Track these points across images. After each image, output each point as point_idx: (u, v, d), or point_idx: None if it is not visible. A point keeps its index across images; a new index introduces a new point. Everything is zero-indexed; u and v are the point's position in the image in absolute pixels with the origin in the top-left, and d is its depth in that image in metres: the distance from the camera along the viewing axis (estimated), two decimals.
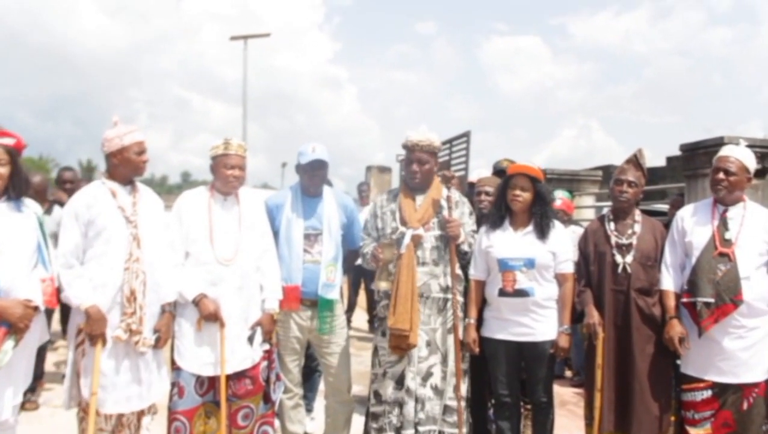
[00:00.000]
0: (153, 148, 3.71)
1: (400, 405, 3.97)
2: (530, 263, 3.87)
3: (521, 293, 3.88)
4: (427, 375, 3.99)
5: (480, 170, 5.56)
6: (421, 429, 3.95)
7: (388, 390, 4.00)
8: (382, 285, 4.02)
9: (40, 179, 5.63)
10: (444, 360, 4.02)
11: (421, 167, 4.06)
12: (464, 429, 4.00)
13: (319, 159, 4.14)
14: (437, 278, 4.02)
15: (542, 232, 3.93)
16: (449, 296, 4.05)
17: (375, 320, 4.28)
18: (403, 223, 4.03)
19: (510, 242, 3.96)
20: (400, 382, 3.99)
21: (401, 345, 3.90)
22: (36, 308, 3.24)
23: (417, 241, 3.98)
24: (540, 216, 3.95)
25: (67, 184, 6.12)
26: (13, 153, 3.30)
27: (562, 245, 3.97)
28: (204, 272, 3.81)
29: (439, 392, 3.99)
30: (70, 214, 3.54)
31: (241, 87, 26.61)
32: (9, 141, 3.28)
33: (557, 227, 4.01)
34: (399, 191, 4.21)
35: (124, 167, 3.62)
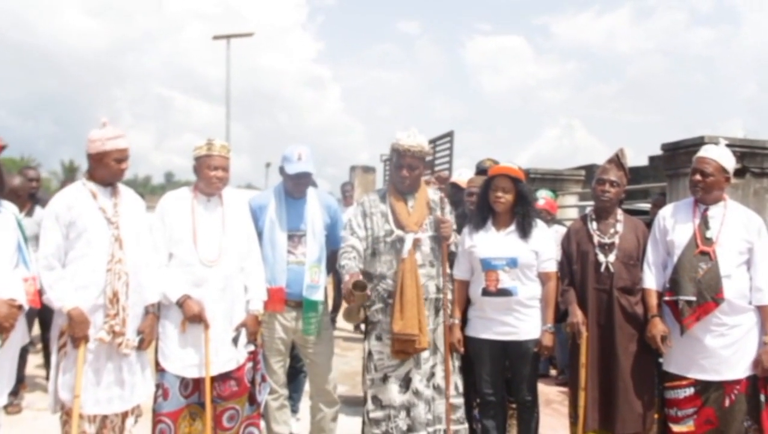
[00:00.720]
0: (136, 148, 3.69)
1: (407, 408, 3.96)
2: (513, 263, 3.90)
3: (504, 293, 3.91)
4: (430, 376, 4.01)
5: (462, 170, 5.58)
6: (429, 429, 3.98)
7: (392, 394, 3.96)
8: (353, 322, 4.05)
9: (20, 180, 5.58)
10: (443, 360, 4.05)
11: (411, 172, 4.04)
12: (462, 425, 4.05)
13: (304, 171, 4.15)
14: (434, 280, 4.05)
15: (524, 232, 3.97)
16: (441, 296, 4.08)
17: (368, 324, 4.15)
18: (400, 227, 4.00)
19: (492, 241, 3.99)
20: (404, 385, 3.97)
21: (407, 350, 3.89)
22: (20, 307, 3.23)
23: (416, 244, 3.98)
24: (522, 216, 3.99)
25: (34, 183, 6.04)
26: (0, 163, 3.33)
27: (545, 245, 4.00)
28: (188, 273, 3.80)
29: (440, 391, 4.02)
30: (50, 215, 3.52)
31: (224, 86, 26.54)
32: None
33: (540, 227, 4.04)
34: (387, 191, 4.18)
35: (103, 170, 3.61)
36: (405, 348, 3.89)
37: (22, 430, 4.86)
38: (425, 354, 3.98)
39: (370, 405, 4.03)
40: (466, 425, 4.10)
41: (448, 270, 4.10)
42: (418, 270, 3.95)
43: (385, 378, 4.00)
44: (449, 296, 4.09)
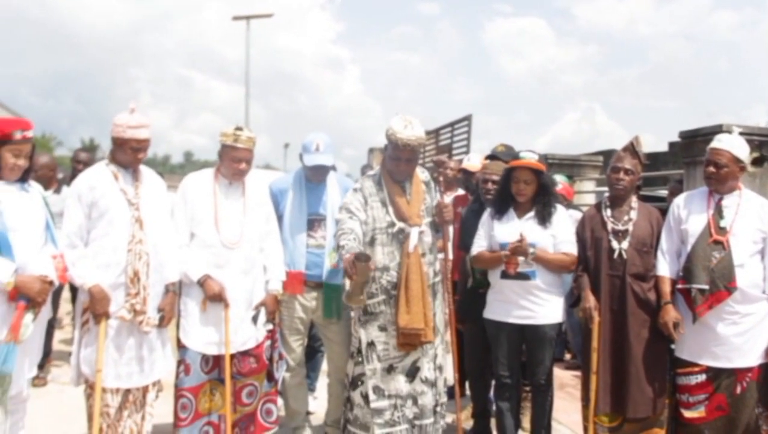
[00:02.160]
0: (155, 127, 3.75)
1: (414, 397, 3.97)
2: (531, 248, 3.94)
3: (523, 276, 3.97)
4: (434, 357, 4.07)
5: (472, 155, 5.61)
6: (438, 409, 4.06)
7: (399, 384, 3.95)
8: (354, 303, 3.80)
9: (48, 159, 5.70)
10: (442, 339, 4.12)
11: (409, 164, 3.97)
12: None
13: (322, 165, 4.20)
14: (432, 265, 4.07)
15: (543, 219, 4.03)
16: (439, 278, 4.12)
17: (363, 315, 4.01)
18: (401, 219, 3.93)
19: (513, 227, 4.04)
20: (411, 375, 3.98)
21: (413, 343, 3.90)
22: (51, 283, 3.34)
23: (420, 236, 3.95)
24: (543, 205, 4.05)
25: (81, 165, 6.17)
26: (35, 145, 3.44)
27: (563, 228, 4.05)
28: (209, 255, 3.89)
29: (442, 370, 4.10)
30: (73, 195, 3.63)
31: (243, 67, 26.59)
32: (32, 133, 3.39)
33: (558, 211, 4.10)
34: (381, 177, 4.04)
35: (120, 155, 3.69)
36: (410, 341, 3.89)
37: (48, 403, 4.99)
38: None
39: (371, 395, 3.95)
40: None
41: (450, 256, 4.14)
42: (423, 264, 3.93)
43: (390, 369, 3.97)
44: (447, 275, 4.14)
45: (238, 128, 3.94)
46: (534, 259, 3.93)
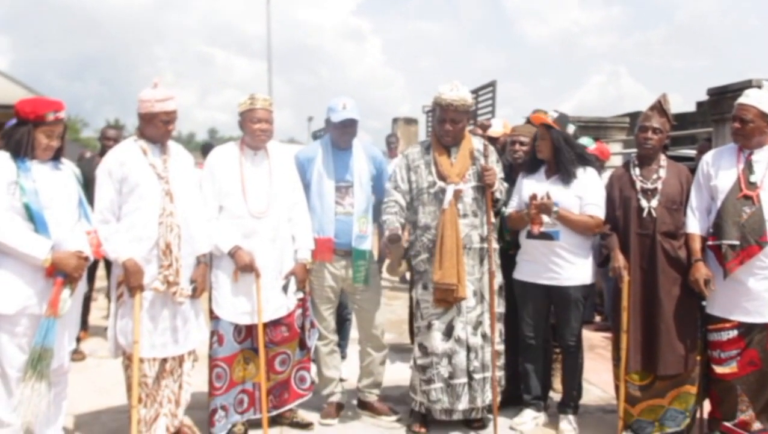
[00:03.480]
0: (179, 106, 3.78)
1: (449, 355, 4.07)
2: (555, 207, 3.94)
3: (546, 236, 4.00)
4: (477, 324, 4.09)
5: (495, 121, 5.59)
6: (476, 376, 4.08)
7: (435, 342, 4.06)
8: (394, 275, 4.23)
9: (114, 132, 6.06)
10: (490, 308, 4.13)
11: (455, 126, 4.06)
12: (498, 372, 4.13)
13: (350, 118, 4.21)
14: (477, 229, 4.10)
15: (564, 178, 4.04)
16: (486, 245, 4.14)
17: (413, 274, 4.28)
18: (441, 178, 4.06)
19: (539, 186, 4.06)
20: (447, 333, 4.07)
21: (448, 298, 3.98)
22: (86, 259, 3.41)
23: (458, 195, 4.03)
24: (562, 163, 4.05)
25: (111, 142, 6.25)
26: (65, 126, 3.50)
27: (590, 189, 4.04)
28: (238, 225, 3.93)
29: (487, 339, 4.11)
30: (103, 171, 3.67)
31: (264, 42, 26.51)
32: (63, 114, 3.45)
33: (587, 172, 4.08)
34: (430, 143, 4.22)
35: (151, 130, 3.72)
36: (445, 297, 3.98)
37: (87, 376, 5.11)
38: (470, 303, 4.05)
39: (417, 352, 4.15)
40: (502, 373, 4.21)
41: (492, 219, 4.15)
42: (458, 221, 4.01)
43: (429, 326, 4.09)
44: (494, 244, 4.15)
45: (253, 94, 4.00)
46: (557, 218, 3.94)
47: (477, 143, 4.24)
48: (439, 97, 4.02)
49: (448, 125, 4.06)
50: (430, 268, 4.05)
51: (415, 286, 4.22)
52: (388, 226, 4.02)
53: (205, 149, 8.60)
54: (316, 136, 5.79)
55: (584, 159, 4.16)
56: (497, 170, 4.18)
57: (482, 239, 4.12)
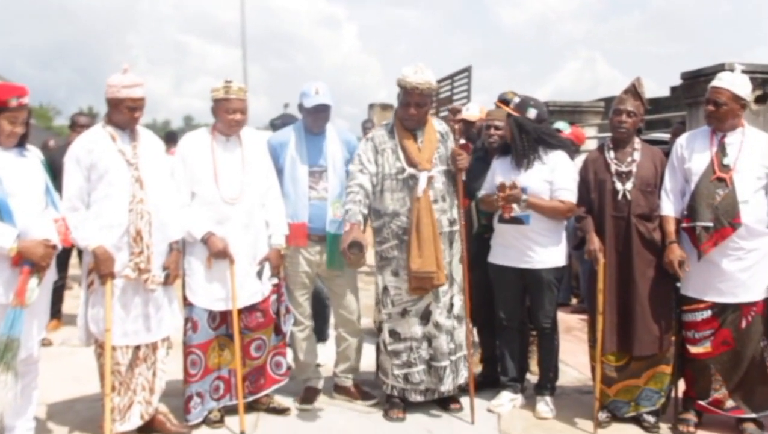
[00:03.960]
0: (153, 93, 3.74)
1: (428, 339, 4.08)
2: (523, 192, 3.95)
3: (516, 221, 4.03)
4: (450, 307, 4.12)
5: (471, 105, 5.59)
6: (453, 358, 4.13)
7: (413, 328, 4.07)
8: (355, 267, 4.12)
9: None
10: (461, 290, 4.15)
11: (419, 110, 4.01)
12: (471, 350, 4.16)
13: (322, 104, 4.16)
14: (446, 213, 4.10)
15: (518, 162, 4.08)
16: (456, 228, 4.14)
17: (378, 260, 4.21)
18: (411, 164, 4.01)
19: (508, 171, 4.08)
20: (425, 318, 4.07)
21: (425, 286, 3.97)
22: (54, 247, 3.35)
23: (429, 181, 4.00)
24: (516, 149, 4.08)
25: (81, 129, 6.14)
26: (30, 111, 3.43)
27: (561, 174, 4.04)
28: (211, 211, 3.89)
29: (461, 320, 4.15)
30: (71, 158, 3.61)
31: (238, 29, 26.28)
32: (27, 100, 3.37)
33: (555, 156, 4.08)
34: (393, 126, 4.15)
35: (117, 116, 3.66)
36: (423, 285, 3.96)
37: (60, 365, 5.04)
38: (443, 287, 4.06)
39: (387, 338, 4.13)
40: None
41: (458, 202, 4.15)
42: (433, 209, 3.99)
43: (404, 313, 4.08)
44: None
45: (228, 81, 3.93)
46: (526, 206, 3.96)
47: (438, 125, 4.21)
48: (403, 80, 3.94)
49: (413, 109, 4.00)
50: (401, 255, 4.03)
51: (382, 272, 4.16)
52: (350, 218, 3.89)
53: (168, 137, 8.52)
54: (273, 124, 5.75)
55: (549, 143, 4.13)
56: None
57: (450, 223, 4.12)
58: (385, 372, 4.18)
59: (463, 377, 4.18)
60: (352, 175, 4.07)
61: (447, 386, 4.13)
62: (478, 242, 4.40)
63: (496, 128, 4.45)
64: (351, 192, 3.99)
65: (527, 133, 4.05)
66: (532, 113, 4.07)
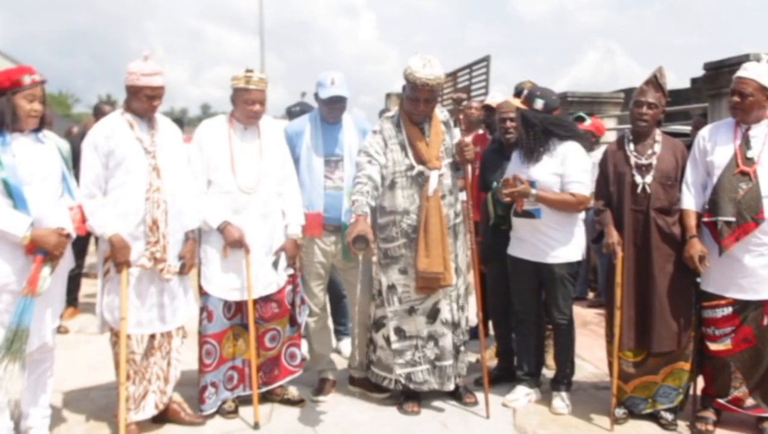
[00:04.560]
0: (171, 81, 3.71)
1: (435, 338, 4.04)
2: (533, 185, 3.92)
3: (528, 214, 4.00)
4: (457, 298, 4.10)
5: (496, 93, 5.52)
6: (461, 348, 4.12)
7: (419, 326, 4.03)
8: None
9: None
10: (465, 279, 4.14)
11: (427, 105, 3.92)
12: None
13: (337, 95, 4.13)
14: (453, 207, 4.06)
15: (526, 155, 4.02)
16: (460, 219, 4.12)
17: (382, 257, 4.10)
18: (420, 162, 3.93)
19: (519, 164, 4.06)
20: (432, 316, 4.03)
21: (432, 286, 3.93)
22: (68, 236, 3.35)
23: (439, 179, 3.93)
24: (522, 143, 4.04)
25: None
26: (44, 90, 3.41)
27: (572, 167, 3.96)
28: (227, 200, 3.88)
29: (464, 309, 4.15)
30: (89, 145, 3.59)
31: (256, 17, 26.26)
32: (39, 77, 3.36)
33: (567, 150, 4.00)
34: (399, 118, 4.03)
35: (136, 104, 3.65)
36: (430, 285, 3.92)
37: (76, 353, 5.08)
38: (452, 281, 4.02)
39: (392, 336, 4.06)
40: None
41: (462, 196, 4.14)
42: (443, 208, 3.93)
43: (411, 311, 4.03)
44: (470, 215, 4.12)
45: (249, 70, 3.89)
46: (536, 201, 3.92)
47: (440, 114, 4.12)
48: (411, 75, 3.79)
49: (422, 105, 3.89)
50: (410, 253, 3.96)
51: (386, 269, 4.05)
52: (357, 210, 3.64)
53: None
54: (290, 112, 5.72)
55: (558, 134, 4.03)
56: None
57: (456, 215, 4.09)
58: (387, 368, 4.12)
59: (465, 363, 4.18)
60: (361, 166, 3.90)
61: (452, 385, 4.10)
62: (494, 235, 4.35)
63: (511, 119, 4.38)
64: (359, 183, 3.80)
65: (533, 125, 3.99)
66: (539, 104, 4.00)
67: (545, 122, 4.00)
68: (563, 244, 4.01)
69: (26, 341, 3.23)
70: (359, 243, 3.49)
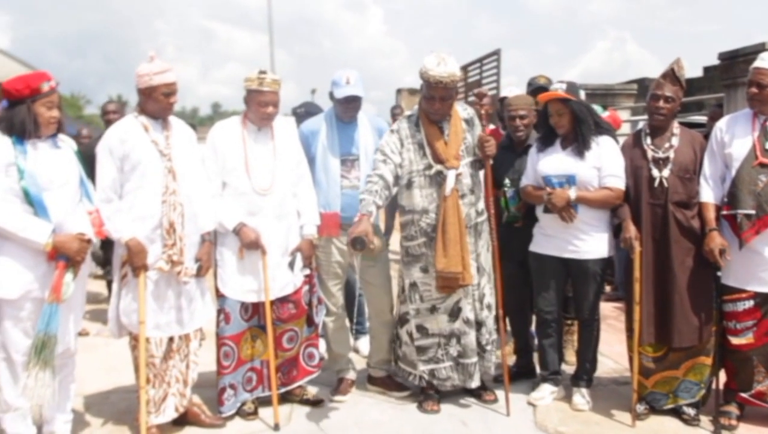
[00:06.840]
0: (181, 80, 3.69)
1: (457, 336, 4.03)
2: (572, 180, 3.87)
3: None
4: (481, 297, 4.08)
5: (511, 87, 5.48)
6: (488, 347, 4.11)
7: (442, 324, 4.02)
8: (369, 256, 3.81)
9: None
10: (490, 278, 4.11)
11: (444, 103, 3.88)
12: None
13: (353, 95, 4.11)
14: (474, 206, 4.04)
15: (580, 149, 3.91)
16: (483, 217, 4.08)
17: (406, 256, 4.12)
18: (438, 161, 3.91)
19: (555, 159, 3.98)
20: (454, 315, 4.02)
21: (451, 285, 3.91)
22: (89, 241, 3.36)
23: (457, 178, 3.91)
24: (581, 134, 3.92)
25: (115, 115, 6.13)
26: (59, 94, 3.41)
27: (608, 160, 3.90)
28: (242, 202, 3.87)
29: (490, 308, 4.12)
30: (104, 149, 3.58)
31: (264, 14, 26.28)
32: (55, 83, 3.36)
33: (604, 143, 3.94)
34: (418, 117, 4.01)
35: (152, 105, 3.63)
36: (449, 284, 3.91)
37: (96, 356, 5.10)
38: (474, 281, 3.99)
39: (415, 333, 4.08)
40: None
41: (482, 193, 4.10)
42: (461, 207, 3.91)
43: (433, 309, 4.03)
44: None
45: (262, 72, 3.87)
46: (576, 201, 3.86)
47: (463, 111, 4.09)
48: (426, 74, 3.79)
49: (438, 103, 3.87)
50: (430, 252, 3.96)
51: (409, 268, 4.08)
52: (362, 209, 3.67)
53: None
54: (295, 113, 5.69)
55: (601, 127, 4.02)
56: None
57: (478, 214, 4.06)
58: (412, 364, 4.14)
59: (491, 362, 4.15)
60: (375, 164, 3.94)
61: (476, 381, 4.09)
62: (507, 232, 4.31)
63: (521, 117, 4.33)
64: (370, 181, 3.84)
65: (584, 119, 3.93)
66: (582, 95, 3.99)
67: (596, 115, 3.98)
68: (597, 239, 3.96)
69: (55, 348, 3.24)
70: (358, 244, 3.48)
